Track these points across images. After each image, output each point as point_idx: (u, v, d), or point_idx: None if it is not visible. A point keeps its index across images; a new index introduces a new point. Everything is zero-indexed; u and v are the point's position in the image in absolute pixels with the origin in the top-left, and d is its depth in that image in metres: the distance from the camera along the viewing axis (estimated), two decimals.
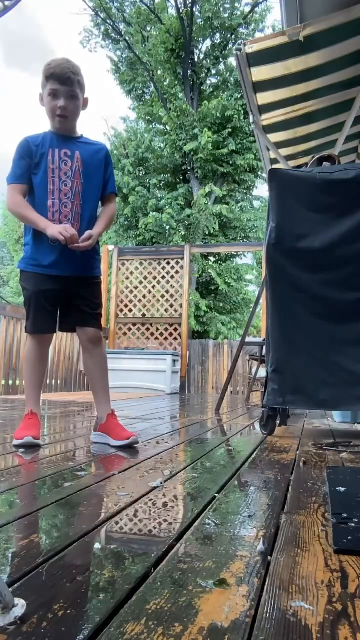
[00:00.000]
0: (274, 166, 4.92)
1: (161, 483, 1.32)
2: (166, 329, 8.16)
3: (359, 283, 2.23)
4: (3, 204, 25.22)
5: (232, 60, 17.51)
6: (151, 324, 8.13)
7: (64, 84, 1.93)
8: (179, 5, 17.79)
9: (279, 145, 4.82)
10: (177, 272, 8.12)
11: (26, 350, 2.12)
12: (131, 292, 8.23)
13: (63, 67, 1.93)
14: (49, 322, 2.07)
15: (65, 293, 2.04)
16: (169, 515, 1.07)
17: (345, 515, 1.05)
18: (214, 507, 1.12)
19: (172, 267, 8.12)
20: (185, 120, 15.79)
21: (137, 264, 8.27)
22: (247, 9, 18.08)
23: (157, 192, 16.40)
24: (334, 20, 3.34)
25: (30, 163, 1.98)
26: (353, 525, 0.99)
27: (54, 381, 6.71)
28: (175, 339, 8.12)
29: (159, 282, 8.13)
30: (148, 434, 2.42)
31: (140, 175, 16.53)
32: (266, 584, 0.72)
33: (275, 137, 4.71)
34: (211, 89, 18.49)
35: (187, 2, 17.60)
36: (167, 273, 8.10)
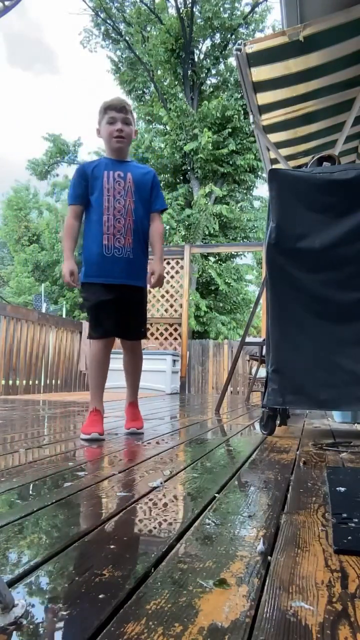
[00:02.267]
0: (274, 166, 4.92)
1: (161, 483, 1.32)
2: (166, 329, 8.16)
3: (359, 283, 2.22)
4: (3, 204, 25.23)
5: (232, 60, 17.51)
6: (151, 324, 8.13)
7: (120, 112, 2.29)
8: (179, 5, 17.79)
9: (279, 145, 4.82)
10: (177, 272, 8.12)
11: (92, 353, 2.35)
12: None
13: (119, 99, 2.33)
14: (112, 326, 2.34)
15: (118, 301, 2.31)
16: (169, 515, 1.07)
17: (345, 515, 1.05)
18: (214, 507, 1.12)
19: (172, 267, 8.12)
20: (185, 120, 15.80)
21: None
22: (247, 9, 18.08)
23: None
24: (334, 20, 3.34)
25: (86, 185, 2.30)
26: (353, 525, 0.99)
27: (54, 381, 6.71)
28: (175, 339, 8.12)
29: None
30: (148, 434, 2.42)
31: None
32: (266, 584, 0.72)
33: (275, 137, 4.70)
34: (211, 89, 18.49)
35: (187, 2, 17.60)
36: (167, 273, 8.09)
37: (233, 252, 16.86)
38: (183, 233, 15.13)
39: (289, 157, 5.08)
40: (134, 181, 2.31)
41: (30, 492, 1.22)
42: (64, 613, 0.63)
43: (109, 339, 2.32)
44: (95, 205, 2.27)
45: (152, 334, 8.16)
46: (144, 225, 2.34)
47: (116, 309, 2.29)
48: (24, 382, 6.10)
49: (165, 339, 8.13)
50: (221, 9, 17.59)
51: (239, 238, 17.36)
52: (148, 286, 2.37)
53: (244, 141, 16.09)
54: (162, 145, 17.03)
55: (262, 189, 18.65)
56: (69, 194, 2.34)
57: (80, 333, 7.22)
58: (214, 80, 18.83)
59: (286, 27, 3.53)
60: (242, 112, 15.47)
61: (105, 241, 2.25)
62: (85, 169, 2.32)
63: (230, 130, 15.84)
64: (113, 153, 2.34)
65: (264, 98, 4.04)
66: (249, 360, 7.18)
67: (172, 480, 1.39)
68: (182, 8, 17.68)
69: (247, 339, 4.82)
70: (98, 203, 2.26)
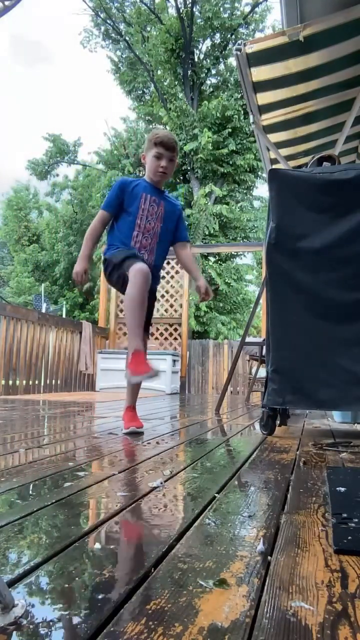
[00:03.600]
0: (274, 166, 4.92)
1: (161, 483, 1.32)
2: (166, 329, 8.16)
3: (359, 283, 2.22)
4: (3, 204, 25.23)
5: (232, 60, 17.51)
6: (151, 324, 8.12)
7: (168, 150, 2.47)
8: (179, 5, 17.79)
9: (279, 145, 4.82)
10: (177, 272, 8.12)
11: (132, 290, 2.25)
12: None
13: (169, 137, 2.49)
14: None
15: None
16: (169, 515, 1.07)
17: (345, 515, 1.05)
18: (214, 507, 1.12)
19: (172, 267, 8.12)
20: (185, 120, 15.80)
21: None
22: (247, 9, 18.09)
23: None
24: (334, 20, 3.34)
25: (122, 198, 2.47)
26: (353, 525, 0.99)
27: (54, 381, 6.71)
28: (175, 339, 8.12)
29: None
30: (148, 434, 2.42)
31: (141, 175, 16.51)
32: (266, 584, 0.72)
33: (275, 137, 4.71)
34: (211, 89, 18.49)
35: (187, 2, 17.60)
36: (167, 273, 8.09)
37: (233, 252, 16.86)
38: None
39: (289, 157, 5.08)
40: (165, 210, 2.53)
41: (30, 492, 1.22)
42: (64, 613, 0.63)
43: (143, 265, 2.27)
44: (129, 219, 2.46)
45: (152, 334, 8.16)
46: (164, 250, 2.56)
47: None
48: (24, 382, 6.09)
49: (165, 339, 8.13)
50: (221, 9, 17.60)
51: (239, 238, 17.36)
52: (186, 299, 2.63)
53: (244, 141, 16.10)
54: None
55: (262, 189, 18.66)
56: (106, 200, 2.52)
57: (80, 333, 7.22)
58: (214, 80, 18.84)
59: (286, 27, 3.53)
60: (242, 112, 15.48)
61: (133, 245, 2.45)
62: (127, 184, 2.50)
63: (230, 130, 15.84)
64: (154, 183, 2.54)
65: (264, 98, 4.04)
66: (249, 360, 7.18)
67: (172, 480, 1.39)
68: (182, 8, 17.68)
69: (247, 339, 4.82)
70: (132, 218, 2.46)
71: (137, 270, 2.23)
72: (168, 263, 8.08)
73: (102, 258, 2.53)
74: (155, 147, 2.46)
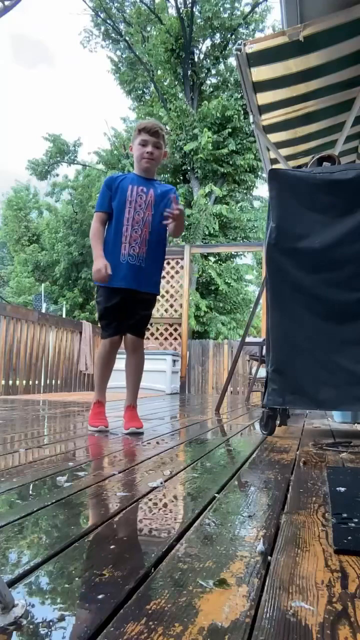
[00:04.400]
0: (274, 166, 4.92)
1: (161, 483, 1.32)
2: (166, 329, 8.16)
3: (359, 283, 2.22)
4: (3, 204, 25.23)
5: (232, 60, 17.51)
6: (151, 324, 8.12)
7: (152, 136, 2.44)
8: (179, 5, 17.79)
9: (279, 145, 4.82)
10: (177, 272, 8.12)
11: (100, 352, 2.59)
12: None
13: (153, 123, 2.48)
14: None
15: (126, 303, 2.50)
16: (169, 515, 1.07)
17: (345, 515, 1.05)
18: (214, 507, 1.12)
19: (172, 267, 8.11)
20: (185, 120, 15.79)
21: None
22: (247, 9, 18.08)
23: None
24: (334, 20, 3.34)
25: (111, 195, 2.49)
26: (353, 525, 0.99)
27: (54, 381, 6.71)
28: (175, 339, 8.11)
29: None
30: (148, 434, 2.42)
31: None
32: (266, 584, 0.72)
33: (275, 137, 4.70)
34: (211, 89, 18.49)
35: (187, 2, 17.60)
36: (167, 273, 8.09)
37: (233, 252, 16.85)
38: (183, 233, 15.12)
39: (289, 157, 5.08)
40: (155, 196, 2.49)
41: (30, 492, 1.22)
42: (64, 613, 0.63)
43: (116, 339, 2.53)
44: (117, 215, 2.46)
45: (152, 334, 8.16)
46: (159, 235, 2.52)
47: (124, 310, 2.49)
48: (24, 382, 6.09)
49: (165, 339, 8.13)
50: (221, 9, 17.59)
51: (239, 238, 17.35)
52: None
53: (244, 141, 16.08)
54: None
55: (262, 189, 18.66)
56: (97, 202, 2.53)
57: (80, 333, 7.22)
58: (214, 80, 18.82)
59: (286, 27, 3.53)
60: (242, 112, 15.46)
61: (122, 249, 2.44)
62: (112, 181, 2.51)
63: (230, 130, 15.83)
64: (141, 171, 2.52)
65: (264, 98, 4.04)
66: (249, 360, 7.18)
67: (172, 480, 1.39)
68: (182, 8, 17.68)
69: (247, 339, 4.82)
70: (120, 213, 2.46)
71: (106, 342, 2.53)
72: (168, 263, 8.07)
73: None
74: (139, 135, 2.46)
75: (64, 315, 18.88)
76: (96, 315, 2.65)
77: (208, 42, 18.54)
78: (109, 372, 2.61)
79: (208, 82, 18.82)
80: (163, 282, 8.14)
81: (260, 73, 3.69)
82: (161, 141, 2.49)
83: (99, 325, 2.58)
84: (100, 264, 2.37)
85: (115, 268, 2.40)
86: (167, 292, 8.12)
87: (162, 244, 2.55)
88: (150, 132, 2.44)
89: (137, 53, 18.40)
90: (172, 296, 8.14)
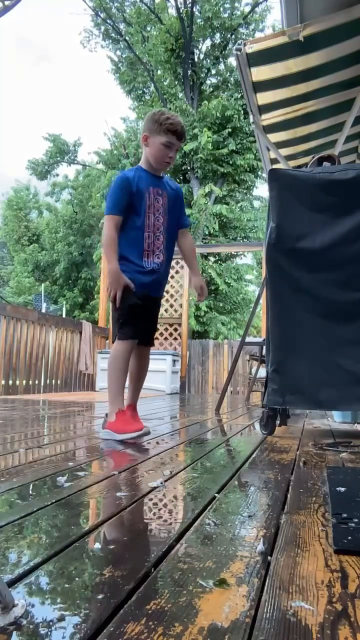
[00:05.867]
0: (274, 166, 4.92)
1: (161, 483, 1.32)
2: (166, 329, 8.15)
3: (359, 283, 2.22)
4: (3, 204, 25.23)
5: (232, 60, 17.51)
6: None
7: (179, 140, 2.27)
8: (179, 5, 17.78)
9: (279, 145, 4.82)
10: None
11: (118, 354, 2.32)
12: None
13: (182, 126, 2.28)
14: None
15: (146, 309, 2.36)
16: (169, 515, 1.07)
17: (345, 515, 1.05)
18: (214, 507, 1.12)
19: (172, 267, 8.10)
20: (185, 120, 15.76)
21: None
22: (247, 9, 18.08)
23: None
24: (334, 20, 3.34)
25: (129, 199, 2.24)
26: (353, 525, 0.99)
27: (54, 381, 6.70)
28: (175, 339, 8.11)
29: None
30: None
31: None
32: (266, 584, 0.72)
33: (275, 137, 4.70)
34: (211, 89, 18.49)
35: (187, 2, 17.60)
36: None
37: (233, 252, 16.85)
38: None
39: (289, 157, 5.08)
40: (168, 199, 2.35)
41: (30, 492, 1.22)
42: (64, 613, 0.63)
43: (135, 341, 2.35)
44: (137, 221, 2.27)
45: None
46: (172, 241, 2.42)
47: (143, 316, 2.35)
48: (24, 382, 6.09)
49: (165, 339, 8.13)
50: (221, 9, 17.59)
51: (239, 238, 17.35)
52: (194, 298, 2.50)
53: (244, 141, 16.08)
54: None
55: (262, 189, 18.66)
56: (112, 203, 2.27)
57: (80, 333, 7.22)
58: (214, 80, 18.83)
59: (286, 27, 3.53)
60: (242, 112, 15.46)
61: (145, 257, 2.28)
62: (129, 182, 2.27)
63: (230, 130, 15.83)
64: (153, 170, 2.33)
65: (264, 98, 4.04)
66: (249, 360, 7.18)
67: (172, 480, 1.39)
68: (182, 8, 17.68)
69: (247, 339, 4.82)
70: (140, 219, 2.27)
71: (126, 343, 2.30)
72: None
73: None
74: (166, 135, 2.23)
75: (64, 315, 18.88)
76: (107, 316, 2.52)
77: (208, 42, 18.55)
78: (125, 377, 2.37)
79: (208, 82, 18.82)
80: None
81: (260, 73, 3.69)
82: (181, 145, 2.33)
83: (118, 326, 2.35)
84: (121, 280, 2.21)
85: (138, 276, 2.27)
86: (167, 292, 8.11)
87: (172, 248, 2.45)
88: (179, 137, 2.26)
89: (137, 53, 18.40)
90: (172, 296, 8.14)
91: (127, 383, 2.47)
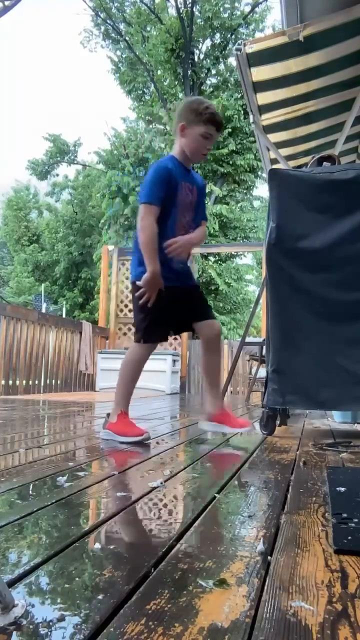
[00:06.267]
0: (274, 166, 4.92)
1: (161, 483, 1.32)
2: None
3: (359, 283, 2.22)
4: (3, 204, 25.23)
5: (232, 60, 17.51)
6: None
7: (218, 131, 2.14)
8: (179, 5, 17.79)
9: (279, 145, 4.82)
10: None
11: (137, 357, 2.22)
12: (131, 292, 8.20)
13: (221, 117, 2.17)
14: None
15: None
16: (169, 515, 1.07)
17: (345, 515, 1.05)
18: (214, 507, 1.12)
19: None
20: None
21: None
22: (247, 9, 18.09)
23: None
24: (334, 20, 3.34)
25: (167, 191, 2.08)
26: (353, 525, 0.99)
27: (54, 381, 6.71)
28: (175, 339, 8.11)
29: None
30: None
31: (140, 175, 16.49)
32: (266, 584, 0.72)
33: (275, 137, 4.70)
34: (211, 89, 18.49)
35: (187, 2, 17.60)
36: None
37: (233, 252, 16.85)
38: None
39: (289, 157, 5.08)
40: (197, 194, 2.22)
41: (30, 492, 1.22)
42: (64, 613, 0.63)
43: (155, 345, 2.25)
44: (168, 217, 2.12)
45: None
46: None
47: (174, 309, 2.19)
48: (24, 382, 6.09)
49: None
50: (221, 9, 17.60)
51: (239, 238, 17.35)
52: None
53: (244, 141, 16.10)
54: (162, 145, 17.00)
55: (262, 189, 18.65)
56: (152, 191, 2.08)
57: (80, 333, 7.22)
58: (214, 80, 18.83)
59: (286, 27, 3.53)
60: (242, 112, 15.48)
61: (176, 257, 2.16)
62: (169, 174, 2.11)
63: (230, 130, 15.84)
64: (187, 161, 2.19)
65: (264, 98, 4.04)
66: (249, 360, 7.18)
67: (172, 480, 1.39)
68: (182, 8, 17.68)
69: (247, 339, 4.82)
70: (172, 217, 2.13)
71: (146, 347, 2.20)
72: None
73: (132, 280, 2.23)
74: (205, 126, 2.09)
75: (64, 315, 18.88)
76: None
77: (208, 42, 18.56)
78: (137, 381, 2.28)
79: (208, 82, 18.82)
80: None
81: (260, 73, 3.69)
82: None
83: (143, 328, 2.19)
84: (159, 284, 2.06)
85: (163, 273, 2.10)
86: None
87: None
88: (218, 128, 2.14)
89: (137, 53, 18.41)
90: None
91: (205, 383, 2.39)
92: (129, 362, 2.23)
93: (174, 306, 2.17)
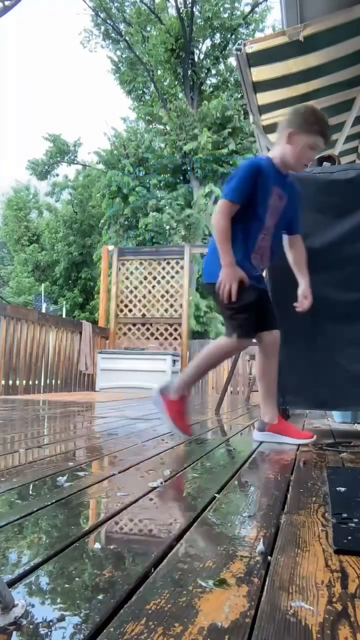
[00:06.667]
0: None
1: (161, 483, 1.32)
2: (166, 329, 8.15)
3: (359, 283, 2.22)
4: (3, 204, 25.24)
5: (232, 60, 17.51)
6: (151, 324, 8.12)
7: (325, 144, 2.08)
8: (179, 5, 17.80)
9: None
10: (177, 272, 8.11)
11: (226, 350, 2.18)
12: (131, 292, 8.21)
13: (330, 130, 2.10)
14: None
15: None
16: (169, 516, 1.07)
17: (345, 515, 1.05)
18: (214, 507, 1.12)
19: (172, 267, 8.11)
20: (185, 120, 15.81)
21: (137, 264, 8.26)
22: (247, 9, 18.10)
23: (157, 192, 16.42)
24: (334, 20, 3.34)
25: (253, 189, 2.00)
26: (353, 525, 0.99)
27: (53, 381, 6.71)
28: (175, 339, 8.11)
29: (159, 282, 8.12)
30: (148, 434, 2.42)
31: (140, 175, 16.53)
32: (266, 584, 0.72)
33: (275, 137, 4.70)
34: (211, 89, 18.50)
35: (187, 2, 17.60)
36: (167, 273, 8.09)
37: None
38: (183, 233, 15.13)
39: None
40: (288, 201, 2.12)
41: (30, 492, 1.22)
42: (64, 613, 0.63)
43: (250, 341, 2.20)
44: (255, 218, 2.04)
45: (152, 334, 8.16)
46: (278, 244, 2.21)
47: (256, 309, 2.13)
48: (24, 382, 6.09)
49: (165, 339, 8.12)
50: (221, 9, 17.61)
51: None
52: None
53: (244, 141, 16.10)
54: (162, 145, 17.03)
55: None
56: (236, 187, 2.00)
57: (80, 333, 7.22)
58: (214, 80, 18.84)
59: (286, 27, 3.53)
60: (242, 112, 15.48)
61: (253, 260, 2.08)
62: (261, 170, 2.02)
63: (230, 130, 15.84)
64: (284, 167, 2.09)
65: (264, 98, 4.04)
66: (249, 360, 7.18)
67: (172, 480, 1.39)
68: (182, 8, 17.69)
69: None
70: (259, 218, 2.04)
71: (235, 345, 2.14)
72: (168, 263, 8.08)
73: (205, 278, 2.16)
74: (316, 136, 2.02)
75: (64, 316, 18.88)
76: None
77: (208, 42, 18.57)
78: (207, 371, 2.27)
79: (208, 82, 18.83)
80: (163, 282, 8.15)
81: (260, 73, 3.69)
82: None
83: (235, 324, 2.09)
84: (237, 273, 1.97)
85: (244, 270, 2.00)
86: (167, 292, 8.11)
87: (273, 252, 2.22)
88: (326, 141, 2.07)
89: (137, 53, 18.41)
90: (172, 296, 8.13)
91: (258, 383, 2.31)
92: (218, 350, 2.18)
93: (257, 304, 2.11)
